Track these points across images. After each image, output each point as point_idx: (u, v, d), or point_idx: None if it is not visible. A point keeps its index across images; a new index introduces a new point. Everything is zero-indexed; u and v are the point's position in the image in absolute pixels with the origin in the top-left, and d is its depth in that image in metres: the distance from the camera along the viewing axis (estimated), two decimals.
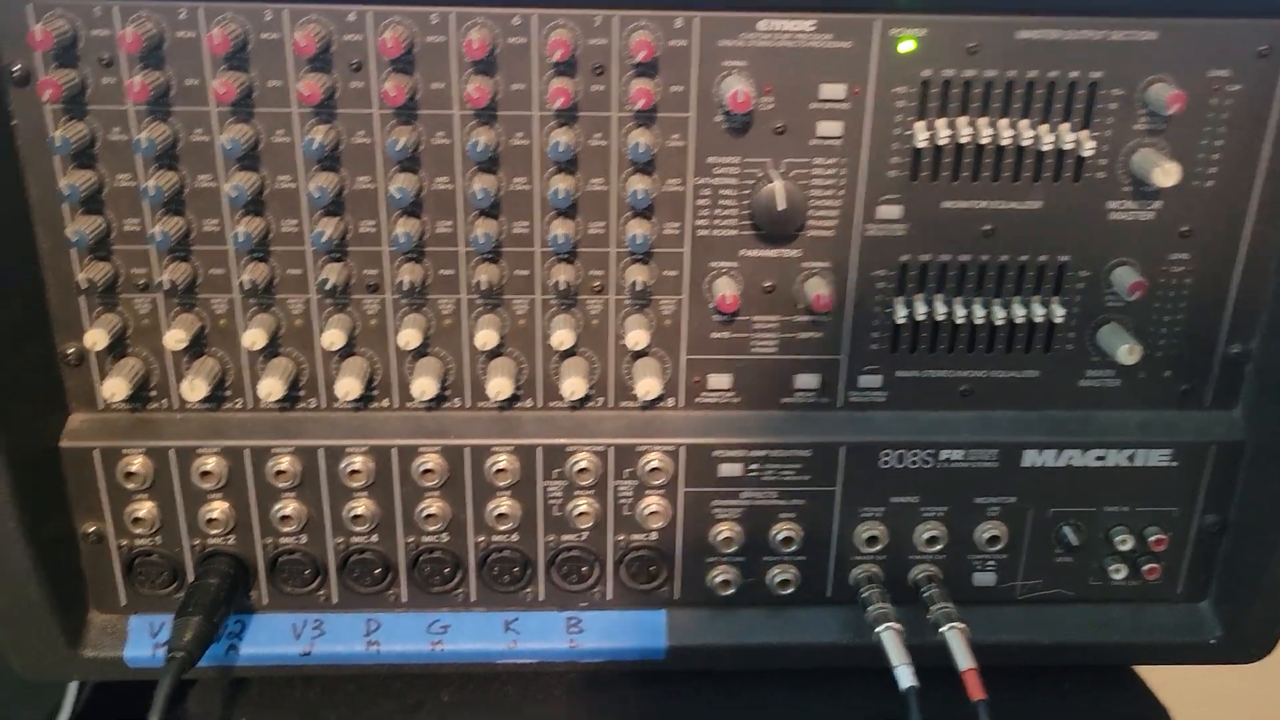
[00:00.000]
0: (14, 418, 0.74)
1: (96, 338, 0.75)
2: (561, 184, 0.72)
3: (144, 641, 0.83)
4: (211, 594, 0.79)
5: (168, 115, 0.71)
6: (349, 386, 0.77)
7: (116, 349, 0.78)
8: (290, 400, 0.80)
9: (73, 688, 0.95)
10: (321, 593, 0.85)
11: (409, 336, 0.76)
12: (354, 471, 0.80)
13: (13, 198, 0.72)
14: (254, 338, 0.75)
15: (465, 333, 0.78)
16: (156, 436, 0.79)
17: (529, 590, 0.85)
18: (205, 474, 0.79)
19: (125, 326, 0.78)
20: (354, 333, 0.77)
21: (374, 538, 0.83)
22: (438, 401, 0.80)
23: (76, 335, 0.77)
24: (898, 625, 0.77)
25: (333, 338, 0.76)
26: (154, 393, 0.80)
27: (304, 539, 0.83)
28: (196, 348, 0.78)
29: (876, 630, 0.77)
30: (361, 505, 0.80)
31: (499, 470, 0.79)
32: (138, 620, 0.84)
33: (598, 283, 0.77)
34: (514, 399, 0.80)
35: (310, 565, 0.83)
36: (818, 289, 0.75)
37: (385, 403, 0.80)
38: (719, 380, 0.80)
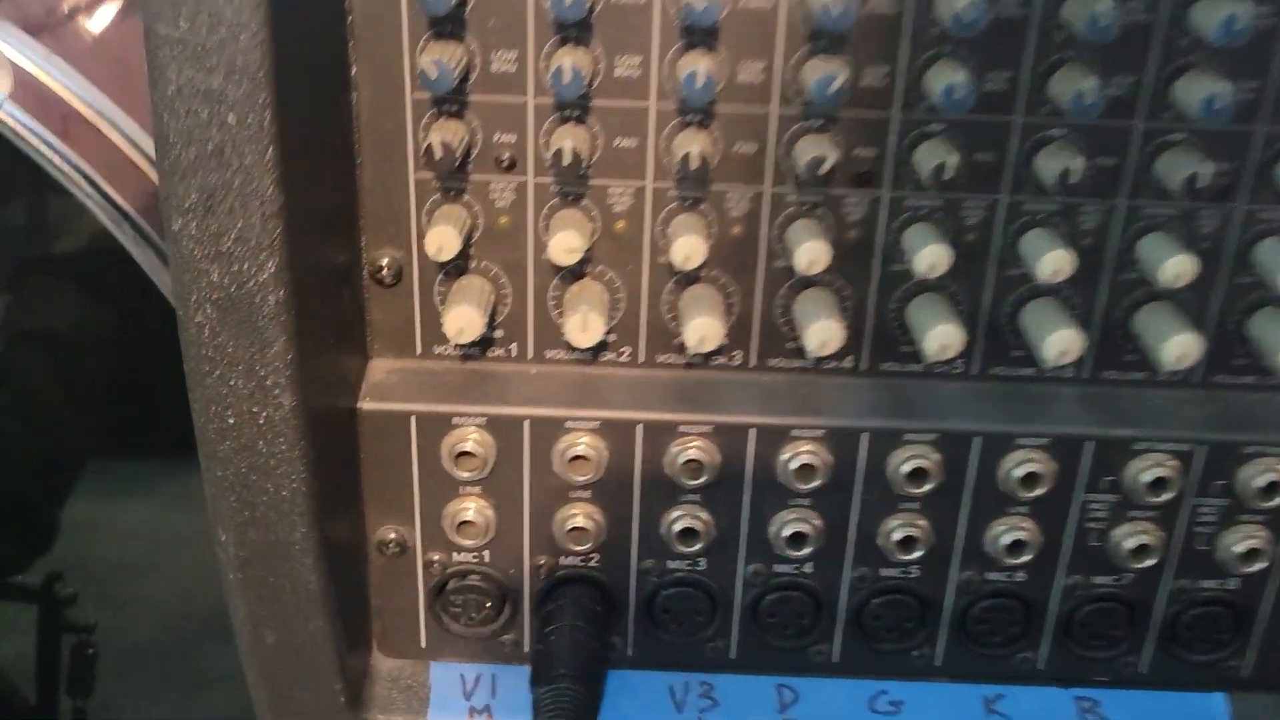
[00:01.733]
0: (298, 361, 0.47)
1: (443, 240, 0.48)
2: None
3: (454, 703, 0.57)
4: (583, 644, 0.52)
5: None
6: (827, 332, 0.49)
7: (456, 263, 0.52)
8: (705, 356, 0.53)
9: None
10: (716, 643, 0.58)
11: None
12: (804, 466, 0.52)
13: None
14: (688, 248, 0.48)
15: None
16: (507, 399, 0.53)
17: (1027, 653, 0.57)
18: (577, 460, 0.53)
19: (474, 227, 0.51)
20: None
21: (808, 566, 0.55)
22: None
23: (396, 238, 0.51)
24: None
25: (813, 251, 0.48)
26: (499, 333, 0.53)
27: (702, 564, 0.55)
28: (578, 268, 0.51)
29: None
30: (801, 517, 0.54)
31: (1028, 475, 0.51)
32: (443, 671, 0.58)
33: None
34: None
35: (705, 600, 0.56)
36: None
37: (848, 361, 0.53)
38: None
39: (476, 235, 0.51)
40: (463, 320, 0.49)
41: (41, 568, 1.03)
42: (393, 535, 0.55)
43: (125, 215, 0.62)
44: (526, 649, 0.57)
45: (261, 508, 0.48)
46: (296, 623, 0.52)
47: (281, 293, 0.43)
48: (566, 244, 0.48)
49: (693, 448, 0.52)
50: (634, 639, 0.57)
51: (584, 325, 0.49)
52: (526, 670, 0.56)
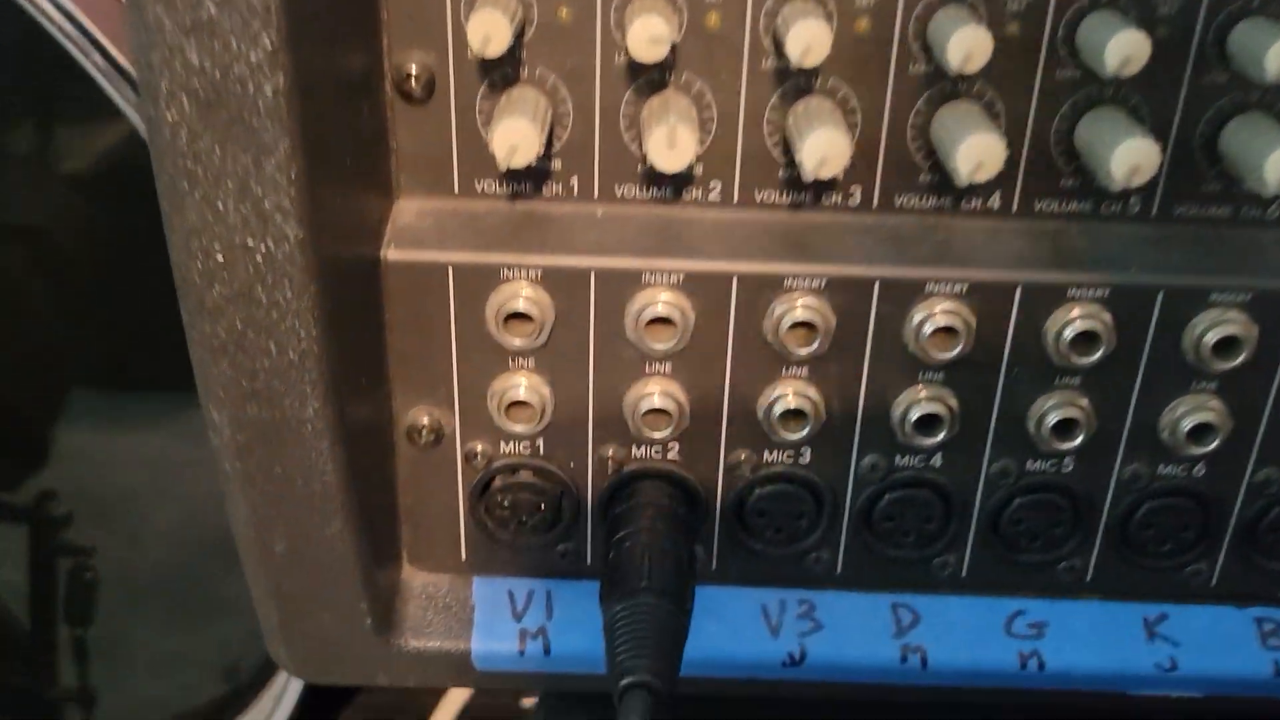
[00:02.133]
0: (304, 178, 0.37)
1: (491, 27, 0.36)
2: None
3: (502, 626, 0.47)
4: (668, 552, 0.42)
5: None
6: (983, 151, 0.38)
7: (503, 70, 0.41)
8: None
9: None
10: (819, 553, 0.48)
11: None
12: (942, 331, 0.42)
13: None
14: (809, 37, 0.37)
15: None
16: (568, 247, 0.42)
17: (1200, 565, 0.47)
18: (656, 323, 0.42)
19: (526, 20, 0.41)
20: None
21: (937, 458, 0.45)
22: None
23: (428, 36, 0.39)
24: None
25: None
26: (558, 164, 0.43)
27: (806, 455, 0.45)
28: (659, 76, 0.40)
29: None
30: (934, 395, 0.43)
31: None
32: (488, 588, 0.48)
33: None
34: None
35: (808, 501, 0.46)
36: None
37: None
38: None
39: (529, 33, 0.40)
40: (515, 135, 0.38)
41: (34, 489, 0.94)
42: (426, 420, 0.45)
43: (94, 41, 0.51)
44: (589, 560, 0.48)
45: (263, 376, 0.38)
46: (310, 525, 0.42)
47: (281, 80, 0.33)
48: (650, 31, 0.37)
49: (801, 307, 0.42)
50: (720, 548, 0.47)
51: (671, 141, 0.38)
52: (588, 586, 0.47)
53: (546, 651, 0.46)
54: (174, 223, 0.35)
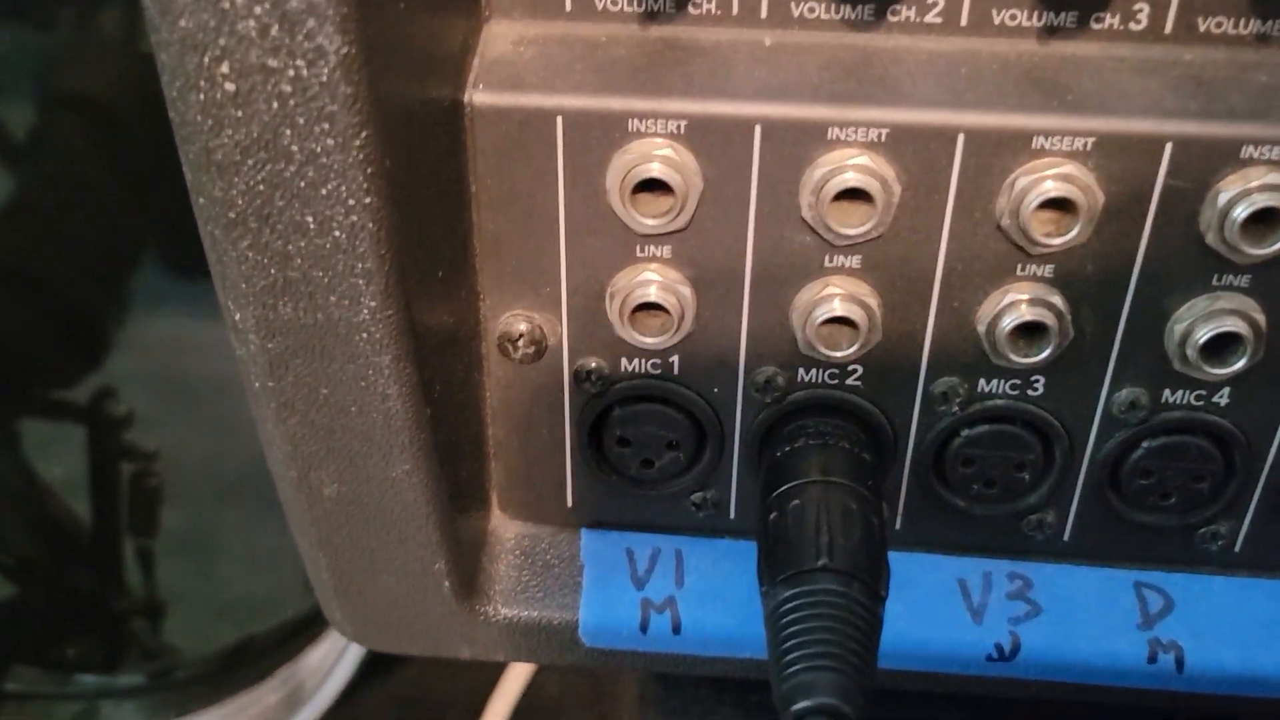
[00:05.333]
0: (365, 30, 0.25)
1: None
2: None
3: (618, 591, 0.37)
4: (854, 515, 0.31)
5: None
6: None
7: None
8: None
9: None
10: (1043, 515, 0.36)
11: None
12: (1262, 213, 0.30)
13: None
14: None
15: None
16: (724, 89, 0.30)
17: None
18: (847, 196, 0.30)
19: None
20: None
21: (1222, 394, 0.33)
22: None
23: None
24: None
25: None
26: None
27: (1040, 385, 0.33)
28: None
29: None
30: (1234, 308, 0.30)
31: None
32: (601, 543, 0.38)
33: None
34: None
35: (1034, 445, 0.34)
36: None
37: None
38: None
39: None
40: None
41: (94, 386, 0.86)
42: (524, 327, 0.34)
43: None
44: (733, 514, 0.37)
45: (298, 261, 0.27)
46: (370, 463, 0.32)
47: None
48: None
49: (1055, 178, 0.29)
50: (907, 504, 0.36)
51: None
52: (731, 546, 0.36)
53: (675, 629, 0.36)
54: (162, 30, 0.24)
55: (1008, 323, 0.31)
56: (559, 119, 0.30)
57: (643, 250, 0.32)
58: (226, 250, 0.27)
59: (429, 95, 0.29)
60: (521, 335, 0.33)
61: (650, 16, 0.31)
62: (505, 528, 0.37)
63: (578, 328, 0.33)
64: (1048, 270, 0.31)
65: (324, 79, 0.24)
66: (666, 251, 0.32)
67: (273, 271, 0.27)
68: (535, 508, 0.37)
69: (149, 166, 0.82)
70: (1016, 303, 0.31)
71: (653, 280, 0.32)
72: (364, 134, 0.25)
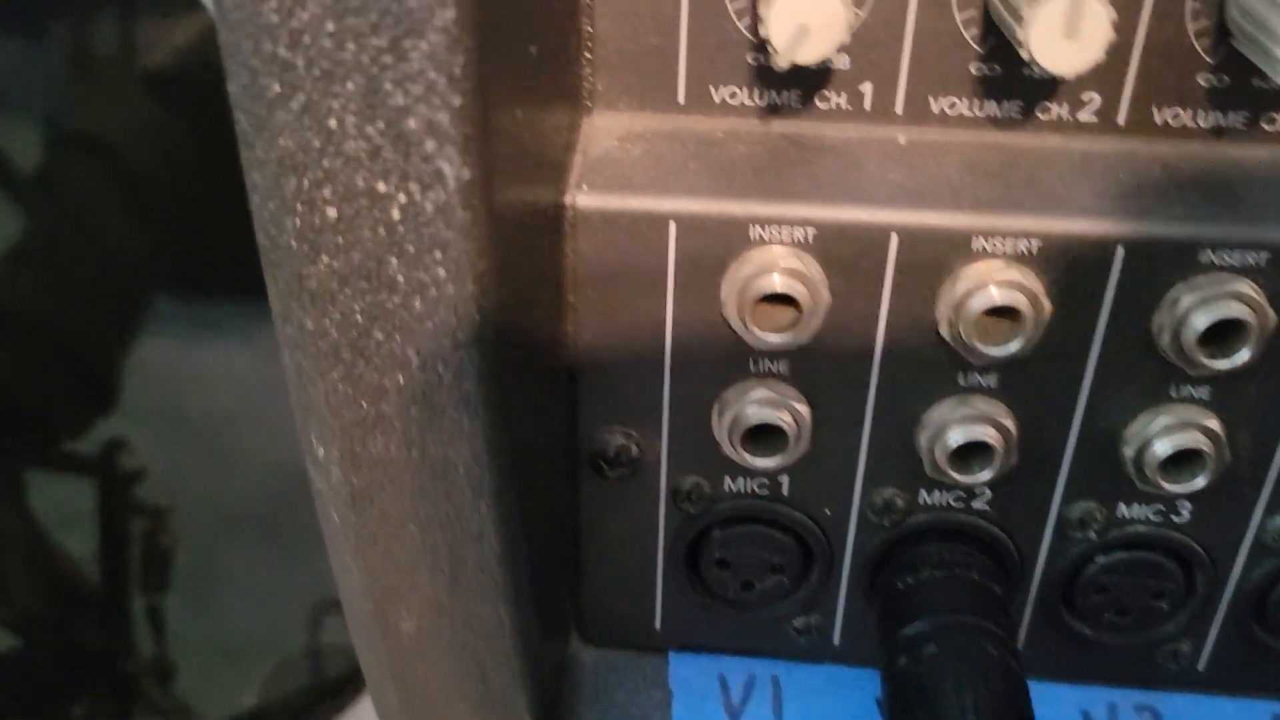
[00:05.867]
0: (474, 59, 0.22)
1: None
2: None
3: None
4: (999, 667, 0.28)
5: None
6: None
7: None
8: None
9: None
10: (1178, 645, 0.33)
11: None
12: None
13: None
14: None
15: None
16: (856, 192, 0.27)
17: None
18: (991, 315, 0.28)
19: None
20: None
21: None
22: None
23: None
24: None
25: None
26: (843, 62, 0.28)
27: (1186, 511, 0.31)
28: None
29: None
30: None
31: None
32: (690, 669, 0.35)
33: None
34: None
35: (1175, 573, 0.31)
36: None
37: None
38: None
39: None
40: (808, 9, 0.23)
41: (105, 433, 0.83)
42: (621, 442, 0.31)
43: None
44: (837, 639, 0.34)
45: (398, 395, 0.24)
46: (456, 600, 0.28)
47: None
48: None
49: (1226, 295, 0.27)
50: (1030, 633, 0.33)
51: (1073, 24, 0.23)
52: (833, 674, 0.33)
53: None
54: (257, 149, 0.21)
55: (1161, 448, 0.28)
56: (672, 224, 0.27)
57: (757, 365, 0.29)
58: (314, 381, 0.24)
59: (534, 202, 0.26)
60: (619, 450, 0.30)
61: (773, 110, 0.28)
62: (587, 652, 0.34)
63: (679, 444, 0.30)
64: (1204, 392, 0.28)
65: (440, 204, 0.21)
66: (783, 367, 0.29)
67: (364, 405, 0.24)
68: (621, 630, 0.34)
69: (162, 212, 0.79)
70: (1170, 427, 0.28)
71: (768, 399, 0.29)
72: (481, 263, 0.22)
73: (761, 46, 0.27)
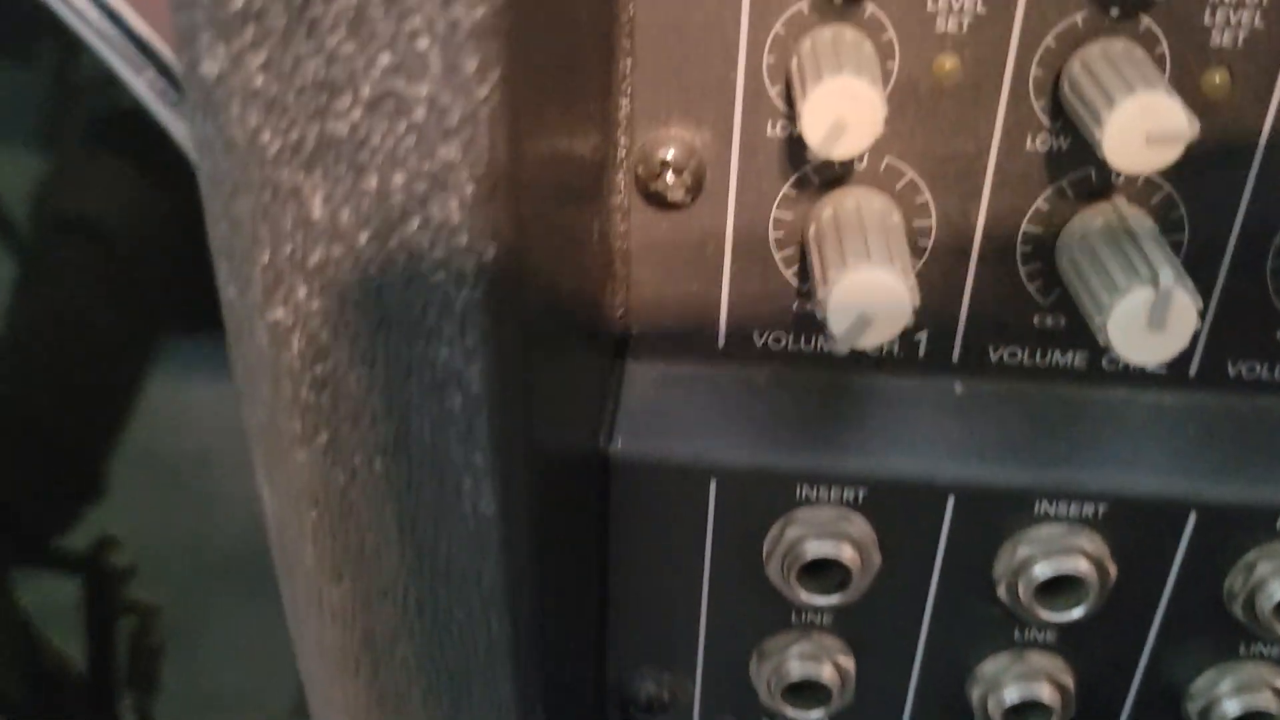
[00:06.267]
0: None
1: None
2: None
3: None
4: None
5: None
6: None
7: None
8: None
9: None
10: None
11: None
12: None
13: None
14: None
15: None
16: (908, 449, 0.25)
17: None
18: (1057, 583, 0.26)
19: None
20: None
21: None
22: None
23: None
24: None
25: None
26: None
27: None
28: None
29: None
30: None
31: None
32: None
33: None
34: None
35: None
36: None
37: None
38: None
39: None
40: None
41: (94, 527, 0.80)
42: (652, 688, 0.29)
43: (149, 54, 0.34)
44: None
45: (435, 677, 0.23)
46: None
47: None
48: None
49: None
50: None
51: (1162, 308, 0.21)
52: None
53: None
54: (276, 483, 0.19)
55: (1231, 708, 0.27)
56: (712, 481, 0.25)
57: (800, 617, 0.27)
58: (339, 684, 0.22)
59: (569, 455, 0.24)
60: (649, 696, 0.29)
61: (821, 357, 0.26)
62: None
63: (712, 689, 0.29)
64: (1275, 651, 0.27)
65: (471, 530, 0.19)
66: (827, 619, 0.27)
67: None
68: None
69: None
70: (1240, 686, 0.27)
71: (810, 653, 0.27)
72: (527, 553, 0.20)
73: (808, 294, 0.25)
